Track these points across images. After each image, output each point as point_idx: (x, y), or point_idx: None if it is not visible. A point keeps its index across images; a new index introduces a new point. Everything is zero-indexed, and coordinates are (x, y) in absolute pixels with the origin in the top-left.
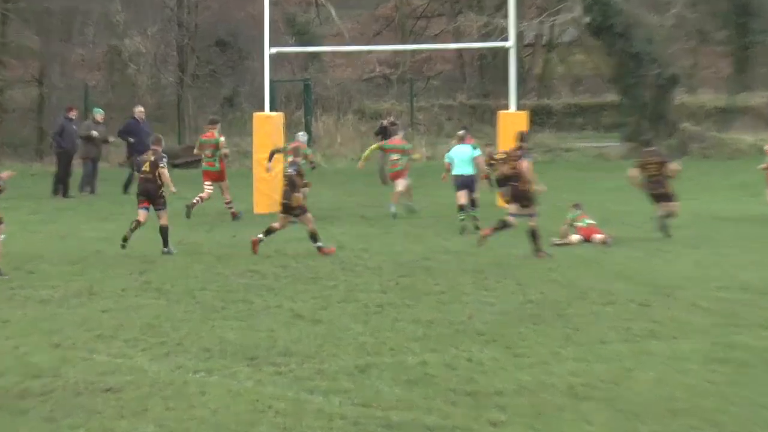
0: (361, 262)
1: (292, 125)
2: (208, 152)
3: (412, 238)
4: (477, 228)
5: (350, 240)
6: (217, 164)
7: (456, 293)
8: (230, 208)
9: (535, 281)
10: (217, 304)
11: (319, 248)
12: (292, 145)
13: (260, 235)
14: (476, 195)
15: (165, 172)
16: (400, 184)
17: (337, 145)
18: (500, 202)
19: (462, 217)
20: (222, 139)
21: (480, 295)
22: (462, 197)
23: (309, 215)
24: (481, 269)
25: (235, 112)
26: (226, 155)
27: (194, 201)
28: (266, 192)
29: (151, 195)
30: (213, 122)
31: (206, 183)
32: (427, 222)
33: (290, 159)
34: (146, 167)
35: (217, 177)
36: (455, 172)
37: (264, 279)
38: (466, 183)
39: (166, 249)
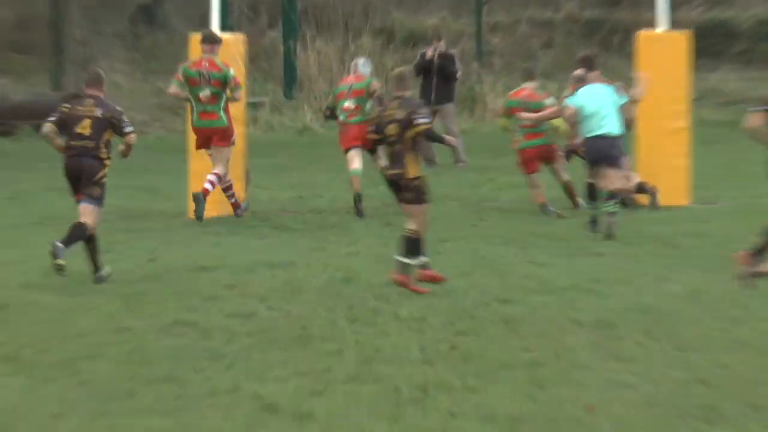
0: (388, 305)
1: (264, 56)
2: (208, 94)
3: (480, 263)
4: (610, 235)
5: (366, 264)
6: (221, 116)
7: (562, 365)
8: (230, 195)
9: (708, 343)
10: (120, 387)
11: (423, 272)
12: (349, 79)
13: (417, 260)
14: (628, 173)
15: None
16: (563, 173)
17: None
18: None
19: (607, 207)
20: (232, 72)
21: (607, 369)
22: (605, 178)
23: (425, 206)
24: (608, 320)
25: (156, 31)
26: (233, 98)
27: (206, 187)
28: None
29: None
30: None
31: (208, 153)
32: (508, 229)
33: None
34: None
35: (222, 137)
36: (590, 132)
37: (207, 339)
38: (609, 151)
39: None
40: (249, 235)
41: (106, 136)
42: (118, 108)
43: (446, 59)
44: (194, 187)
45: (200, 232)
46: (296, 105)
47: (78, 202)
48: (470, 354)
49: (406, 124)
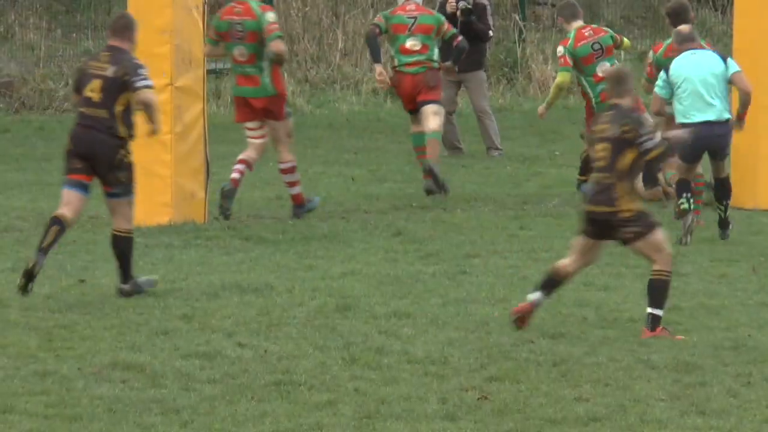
0: (398, 342)
1: None
2: (243, 52)
3: (521, 286)
4: (725, 234)
5: (368, 287)
6: (264, 82)
7: (629, 421)
8: (292, 185)
9: None
10: None
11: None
12: (410, 8)
13: (537, 296)
14: (726, 166)
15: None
16: None
17: (339, 51)
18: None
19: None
20: (269, 16)
21: (689, 426)
22: (687, 170)
23: (657, 232)
24: (690, 361)
25: None
26: (280, 57)
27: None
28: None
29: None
30: None
31: (249, 127)
32: (558, 241)
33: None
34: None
35: (268, 110)
36: (691, 116)
37: (156, 387)
38: (714, 139)
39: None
40: (211, 249)
41: (122, 102)
42: (135, 60)
43: (475, 11)
44: (140, 183)
45: (146, 245)
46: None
47: (104, 195)
48: (506, 407)
49: (620, 146)
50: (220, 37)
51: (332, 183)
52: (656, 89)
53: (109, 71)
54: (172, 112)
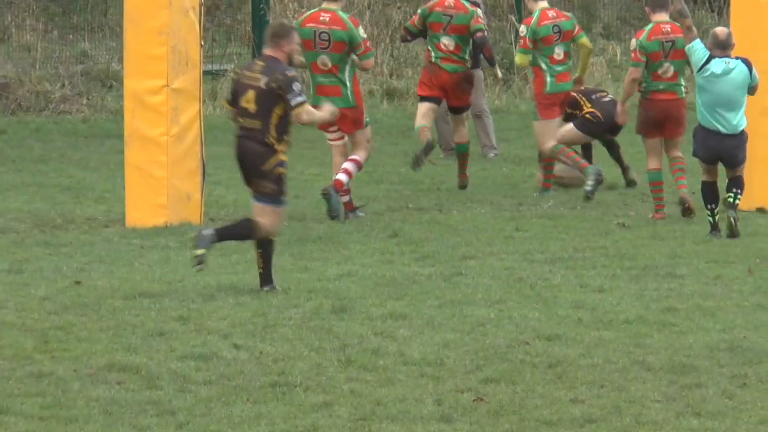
0: (393, 344)
1: (226, 7)
2: (326, 62)
3: (517, 287)
4: (732, 233)
5: (364, 288)
6: (345, 93)
7: (625, 423)
8: (344, 192)
9: None
10: None
11: None
12: (447, 3)
13: None
14: (740, 169)
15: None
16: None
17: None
18: None
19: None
20: (362, 33)
21: (685, 428)
22: (708, 172)
23: None
24: (685, 363)
25: None
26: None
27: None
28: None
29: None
30: None
31: (330, 130)
32: (555, 242)
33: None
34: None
35: (348, 121)
36: (707, 124)
37: (152, 388)
38: (727, 150)
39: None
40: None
41: (276, 112)
42: (288, 72)
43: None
44: (131, 184)
45: (141, 247)
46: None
47: (250, 197)
48: (502, 409)
49: None
50: (303, 45)
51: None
52: (687, 48)
53: (262, 82)
54: (168, 114)
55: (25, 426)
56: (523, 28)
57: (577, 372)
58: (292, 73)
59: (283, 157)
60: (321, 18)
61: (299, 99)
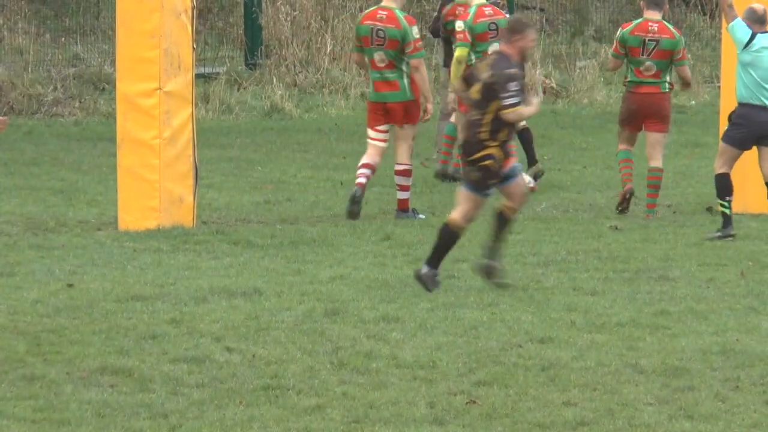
0: (386, 347)
1: (219, 10)
2: (383, 57)
3: (509, 290)
4: None
5: (357, 291)
6: (404, 87)
7: (617, 425)
8: (403, 188)
9: None
10: None
11: None
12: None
13: None
14: None
15: None
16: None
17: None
18: None
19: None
20: (414, 33)
21: (677, 431)
22: (731, 158)
23: None
24: (678, 366)
25: None
26: (416, 68)
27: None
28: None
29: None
30: None
31: (378, 129)
32: (547, 245)
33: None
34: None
35: (405, 114)
36: (763, 100)
37: (144, 391)
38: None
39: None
40: (199, 253)
41: (492, 108)
42: (508, 71)
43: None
44: (124, 187)
45: (134, 250)
46: (262, 77)
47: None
48: (495, 411)
49: None
50: (361, 42)
51: (321, 187)
52: (729, 27)
53: (486, 75)
54: (161, 117)
55: (17, 429)
56: (459, 24)
57: (570, 375)
58: (513, 71)
59: (493, 151)
60: (378, 15)
61: (512, 100)
